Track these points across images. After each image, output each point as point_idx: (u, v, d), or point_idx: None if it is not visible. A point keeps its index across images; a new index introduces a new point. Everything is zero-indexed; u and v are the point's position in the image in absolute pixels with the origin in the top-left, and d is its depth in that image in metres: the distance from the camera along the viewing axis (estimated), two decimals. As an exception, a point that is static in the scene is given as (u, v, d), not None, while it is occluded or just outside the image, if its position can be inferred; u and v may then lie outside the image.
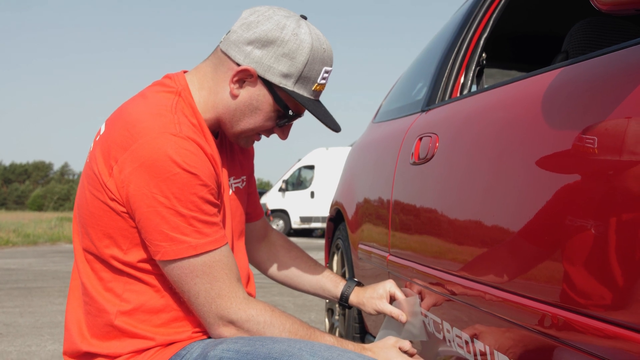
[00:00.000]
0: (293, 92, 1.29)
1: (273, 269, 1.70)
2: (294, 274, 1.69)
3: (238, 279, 1.26)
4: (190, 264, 1.20)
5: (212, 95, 1.32)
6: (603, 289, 0.90)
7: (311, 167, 18.44)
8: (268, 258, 1.70)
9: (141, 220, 1.19)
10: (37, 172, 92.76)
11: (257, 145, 1.51)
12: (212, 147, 1.30)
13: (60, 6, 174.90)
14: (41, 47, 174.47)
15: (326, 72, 1.32)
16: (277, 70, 1.27)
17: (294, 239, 16.92)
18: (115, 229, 1.23)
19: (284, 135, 1.39)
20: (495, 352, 1.25)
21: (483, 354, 1.30)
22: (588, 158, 0.96)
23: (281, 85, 1.28)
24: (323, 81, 1.32)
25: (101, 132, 1.29)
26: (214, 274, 1.21)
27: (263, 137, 1.41)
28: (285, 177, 18.77)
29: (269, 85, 1.29)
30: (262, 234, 1.71)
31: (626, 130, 0.88)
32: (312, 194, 18.12)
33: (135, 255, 1.24)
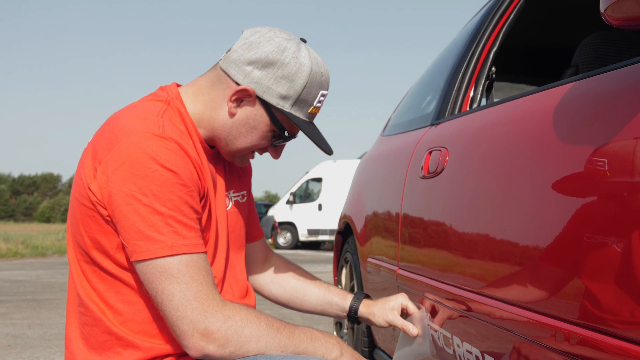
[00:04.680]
0: (290, 113, 1.31)
1: (277, 290, 1.67)
2: (299, 292, 1.66)
3: (214, 284, 1.23)
4: (165, 264, 1.16)
5: (207, 110, 1.34)
6: (616, 305, 0.89)
7: (319, 180, 18.45)
8: (271, 280, 1.67)
9: (120, 219, 1.18)
10: (46, 183, 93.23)
11: (264, 157, 1.52)
12: (200, 154, 1.32)
13: (66, 13, 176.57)
14: (51, 58, 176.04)
15: (322, 95, 1.34)
16: (276, 91, 1.29)
17: (301, 252, 16.89)
18: (102, 234, 1.23)
19: (276, 154, 1.42)
20: (506, 367, 1.24)
21: (494, 369, 1.29)
22: (598, 173, 0.96)
23: (279, 106, 1.30)
24: (319, 104, 1.35)
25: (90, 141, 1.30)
26: (191, 275, 1.17)
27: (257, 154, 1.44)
28: (293, 189, 18.78)
29: (267, 106, 1.31)
30: (262, 256, 1.68)
31: (637, 147, 0.88)
32: (320, 207, 18.11)
33: (124, 260, 1.24)
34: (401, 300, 1.61)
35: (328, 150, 1.37)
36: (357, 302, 1.62)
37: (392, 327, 1.59)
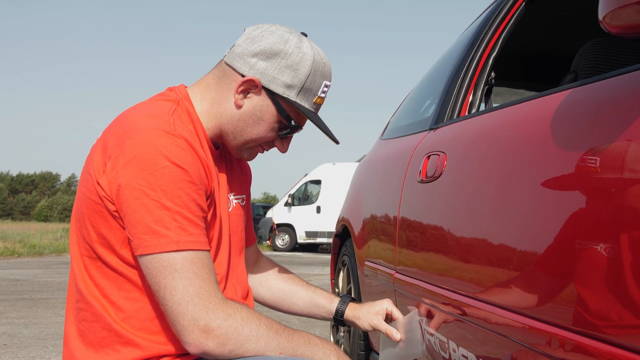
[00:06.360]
0: (295, 102, 1.34)
1: (265, 292, 1.70)
2: (287, 295, 1.68)
3: (217, 281, 1.24)
4: (170, 259, 1.17)
5: (214, 106, 1.36)
6: (611, 312, 0.89)
7: (318, 182, 18.48)
8: (260, 282, 1.70)
9: (127, 213, 1.18)
10: (44, 182, 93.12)
11: (263, 159, 1.53)
12: (207, 154, 1.33)
13: (66, 14, 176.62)
14: (50, 57, 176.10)
15: (326, 86, 1.38)
16: (281, 81, 1.32)
17: (299, 254, 16.88)
18: (108, 229, 1.24)
19: (283, 147, 1.43)
20: (502, 373, 1.24)
21: (490, 374, 1.29)
22: (595, 178, 0.96)
23: (284, 95, 1.33)
24: (323, 95, 1.38)
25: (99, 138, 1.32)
26: (195, 271, 1.18)
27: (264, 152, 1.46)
28: (292, 191, 18.80)
29: (273, 96, 1.33)
30: (253, 259, 1.71)
31: (634, 152, 0.88)
32: (318, 209, 18.13)
33: (129, 256, 1.24)
34: (386, 305, 1.65)
35: (335, 139, 1.40)
36: (343, 306, 1.65)
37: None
